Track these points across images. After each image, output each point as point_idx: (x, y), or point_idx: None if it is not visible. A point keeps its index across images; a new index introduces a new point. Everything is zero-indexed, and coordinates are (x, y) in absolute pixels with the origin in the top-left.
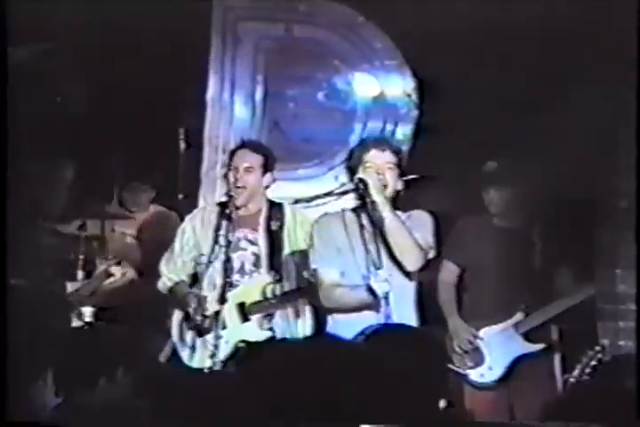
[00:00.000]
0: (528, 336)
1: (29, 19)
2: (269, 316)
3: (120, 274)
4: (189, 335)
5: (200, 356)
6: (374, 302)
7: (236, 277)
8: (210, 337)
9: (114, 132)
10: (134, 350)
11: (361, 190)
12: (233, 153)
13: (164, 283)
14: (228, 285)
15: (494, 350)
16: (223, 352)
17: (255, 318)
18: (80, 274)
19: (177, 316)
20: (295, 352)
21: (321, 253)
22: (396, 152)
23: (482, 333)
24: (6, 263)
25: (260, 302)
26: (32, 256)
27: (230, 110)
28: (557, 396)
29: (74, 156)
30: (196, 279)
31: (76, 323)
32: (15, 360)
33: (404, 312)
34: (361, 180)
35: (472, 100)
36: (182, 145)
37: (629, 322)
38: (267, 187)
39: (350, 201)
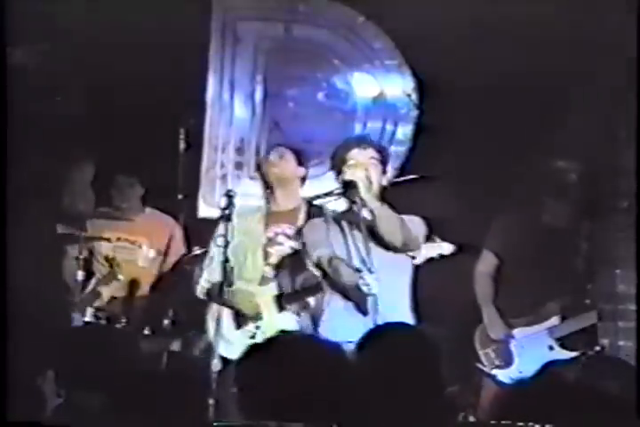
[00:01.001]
0: (566, 340)
1: (29, 19)
2: (305, 305)
3: (121, 281)
4: (227, 329)
5: (239, 348)
6: (363, 301)
7: (275, 271)
8: (248, 328)
9: (114, 132)
10: (135, 350)
11: (350, 192)
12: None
13: (202, 287)
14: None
15: (525, 352)
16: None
17: (291, 307)
18: (80, 274)
19: (212, 312)
20: (294, 352)
21: (313, 243)
22: (379, 150)
23: (515, 332)
24: (6, 263)
25: (295, 292)
26: (32, 256)
27: (230, 110)
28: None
29: (74, 156)
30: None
31: (76, 323)
32: (15, 360)
33: (398, 312)
34: (350, 181)
35: (472, 100)
36: (182, 145)
37: (629, 322)
38: (303, 180)
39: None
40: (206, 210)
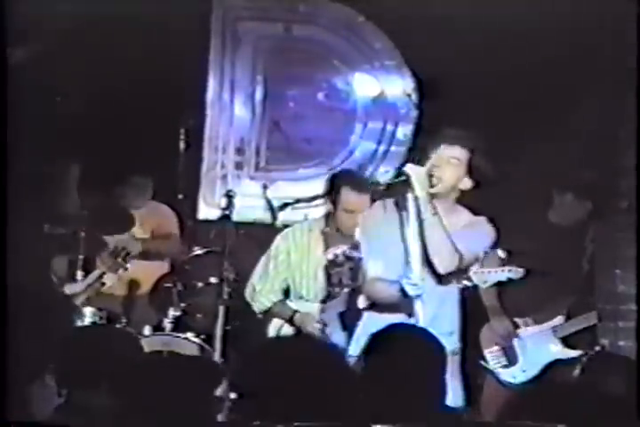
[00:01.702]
0: (566, 341)
1: (29, 19)
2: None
3: (114, 282)
4: None
5: None
6: (406, 304)
7: (336, 289)
8: None
9: (114, 132)
10: (135, 350)
11: (404, 183)
12: (337, 189)
13: (261, 303)
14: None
15: (529, 351)
16: None
17: None
18: (79, 274)
19: (276, 323)
20: (294, 354)
21: (367, 243)
22: (471, 150)
23: (520, 331)
24: (6, 263)
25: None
26: (32, 256)
27: (230, 110)
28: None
29: (74, 156)
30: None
31: (76, 323)
32: (15, 360)
33: (443, 316)
34: (404, 172)
35: (472, 100)
36: (182, 145)
37: (629, 322)
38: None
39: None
40: (206, 210)
